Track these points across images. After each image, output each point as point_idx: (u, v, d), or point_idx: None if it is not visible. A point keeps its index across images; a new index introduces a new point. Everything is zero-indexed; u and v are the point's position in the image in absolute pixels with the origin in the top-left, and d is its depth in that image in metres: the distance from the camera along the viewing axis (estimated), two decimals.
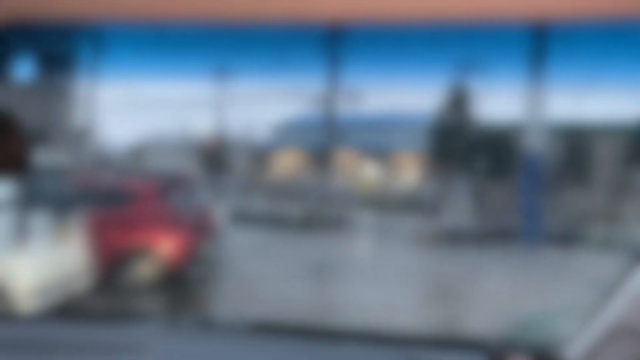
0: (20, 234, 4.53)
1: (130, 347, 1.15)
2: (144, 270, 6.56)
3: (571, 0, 0.68)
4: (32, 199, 4.73)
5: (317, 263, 8.39)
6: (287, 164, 20.59)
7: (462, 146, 14.51)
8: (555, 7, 0.70)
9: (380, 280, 7.32)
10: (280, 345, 1.13)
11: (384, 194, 16.58)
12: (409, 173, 18.18)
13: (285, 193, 16.66)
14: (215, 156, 18.30)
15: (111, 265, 6.32)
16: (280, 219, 13.06)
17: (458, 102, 14.57)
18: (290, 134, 21.00)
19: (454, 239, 10.74)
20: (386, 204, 15.48)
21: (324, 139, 17.32)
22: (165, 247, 6.67)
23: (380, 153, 19.38)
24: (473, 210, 13.05)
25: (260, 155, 21.43)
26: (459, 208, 13.37)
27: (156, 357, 1.08)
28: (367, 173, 18.58)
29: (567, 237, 10.66)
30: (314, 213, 13.63)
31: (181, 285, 6.79)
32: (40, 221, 4.75)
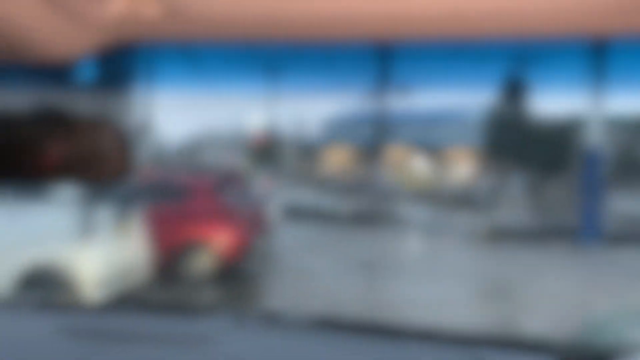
0: (86, 227, 4.77)
1: (197, 339, 1.16)
2: (200, 262, 6.76)
3: (633, 18, 0.68)
4: (96, 193, 4.97)
5: (367, 258, 8.41)
6: (337, 159, 20.62)
7: (517, 141, 14.14)
8: (616, 25, 0.70)
9: (432, 277, 7.26)
10: (345, 342, 1.12)
11: (436, 189, 16.38)
12: (461, 169, 17.87)
13: (335, 188, 16.70)
14: (266, 152, 18.55)
15: (169, 257, 6.54)
16: (330, 214, 13.12)
17: (513, 96, 14.20)
18: (341, 129, 21.00)
19: (509, 236, 10.51)
20: (438, 200, 15.29)
21: (374, 134, 17.27)
22: (220, 240, 6.84)
23: (432, 148, 19.12)
24: (528, 207, 12.72)
25: (310, 150, 21.53)
26: (514, 205, 13.05)
27: (223, 350, 1.08)
28: (418, 168, 18.38)
29: (627, 236, 10.24)
30: (365, 208, 13.62)
31: (235, 278, 6.95)
32: (103, 215, 4.97)
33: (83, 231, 4.77)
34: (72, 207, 4.74)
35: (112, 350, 1.10)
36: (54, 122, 0.61)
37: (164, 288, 6.13)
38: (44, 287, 4.55)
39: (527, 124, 14.31)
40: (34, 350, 1.10)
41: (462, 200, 14.84)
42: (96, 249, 4.82)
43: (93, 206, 4.87)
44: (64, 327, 1.22)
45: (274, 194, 10.82)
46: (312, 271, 7.52)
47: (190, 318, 1.30)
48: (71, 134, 0.62)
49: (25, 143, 0.63)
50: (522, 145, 14.09)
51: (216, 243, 6.83)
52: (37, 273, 4.54)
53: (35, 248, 4.57)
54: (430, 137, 18.74)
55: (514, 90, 14.16)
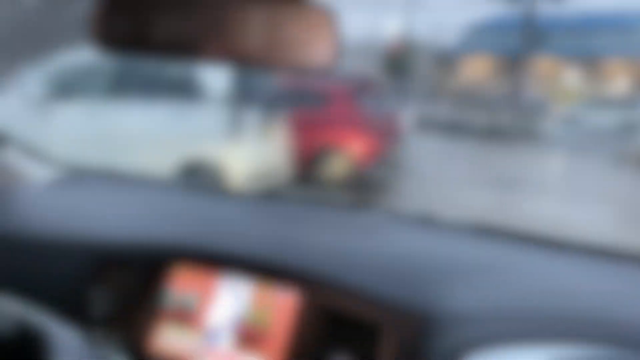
0: (235, 126, 5.09)
1: (360, 229, 1.19)
2: (335, 167, 6.99)
3: None
4: (244, 95, 5.24)
5: (503, 174, 8.11)
6: (477, 69, 19.49)
7: None
8: None
9: (574, 198, 6.86)
10: (503, 249, 1.09)
11: (587, 105, 15.00)
12: (619, 83, 16.05)
13: (472, 100, 15.96)
14: (401, 60, 18.04)
15: (306, 160, 6.83)
16: (465, 128, 12.68)
17: None
18: (483, 37, 19.65)
19: None
20: (588, 117, 14.04)
21: (521, 42, 15.93)
22: (355, 147, 6.97)
23: (586, 59, 17.29)
24: None
25: (449, 59, 20.53)
26: None
27: (390, 241, 1.11)
28: (568, 82, 16.83)
29: None
30: (503, 123, 12.96)
31: (367, 185, 7.11)
32: (250, 116, 5.26)
33: (232, 130, 5.10)
34: (224, 106, 5.06)
35: (288, 233, 1.16)
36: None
37: (302, 189, 6.47)
38: (197, 180, 5.02)
39: None
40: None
41: (617, 118, 13.50)
42: (243, 148, 5.16)
43: (241, 107, 5.16)
44: (246, 209, 1.30)
45: (408, 103, 10.63)
46: (443, 183, 7.46)
47: (344, 211, 1.33)
48: (276, 15, 0.62)
49: (229, 23, 0.64)
50: None
51: (351, 149, 6.97)
52: (192, 166, 4.99)
53: (191, 143, 5.00)
54: (585, 46, 16.96)
55: None
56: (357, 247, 1.08)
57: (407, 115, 9.13)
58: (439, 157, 9.35)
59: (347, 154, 6.94)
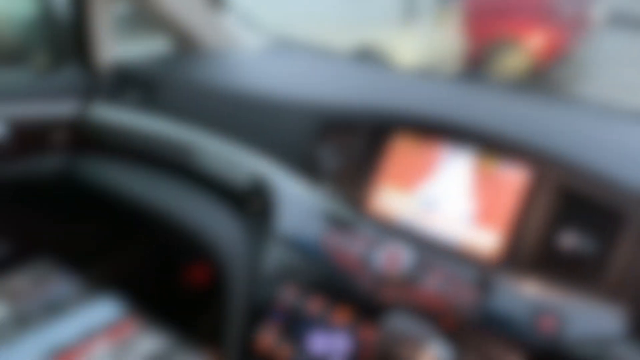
0: (408, 12, 4.93)
1: (579, 115, 1.15)
2: (510, 62, 6.51)
3: None
4: None
5: None
6: None
7: None
8: None
9: None
10: None
11: None
12: None
13: None
14: None
15: (479, 52, 6.42)
16: None
17: None
18: None
19: None
20: None
21: None
22: (534, 40, 6.39)
23: None
24: None
25: None
26: None
27: (614, 131, 1.06)
28: None
29: None
30: None
31: (543, 82, 6.58)
32: (424, 2, 5.03)
33: (405, 16, 4.95)
34: None
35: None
36: None
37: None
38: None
39: None
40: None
41: None
42: (415, 35, 5.02)
43: None
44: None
45: None
46: (629, 88, 6.62)
47: (548, 98, 1.25)
48: None
49: None
50: None
51: (530, 43, 6.41)
52: (364, 49, 5.01)
53: (364, 26, 4.97)
54: None
55: None
56: (583, 132, 1.02)
57: (599, 6, 8.03)
58: (634, 61, 8.23)
59: (525, 47, 6.38)
